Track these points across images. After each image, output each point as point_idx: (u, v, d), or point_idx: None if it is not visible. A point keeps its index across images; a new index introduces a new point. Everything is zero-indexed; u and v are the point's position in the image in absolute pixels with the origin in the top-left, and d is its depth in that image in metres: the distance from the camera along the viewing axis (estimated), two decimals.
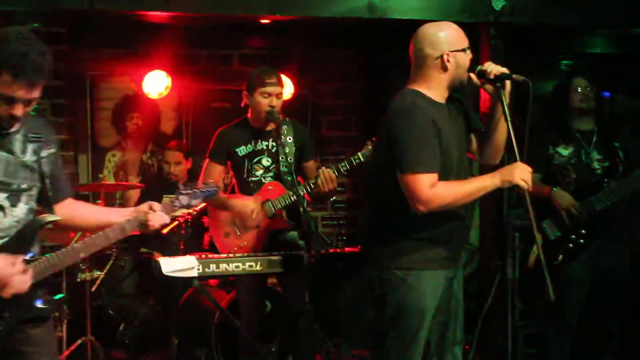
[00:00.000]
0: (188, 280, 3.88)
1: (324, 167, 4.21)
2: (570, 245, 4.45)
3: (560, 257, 4.43)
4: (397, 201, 3.17)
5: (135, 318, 5.62)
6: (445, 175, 3.17)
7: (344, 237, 6.51)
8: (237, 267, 3.93)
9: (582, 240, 4.44)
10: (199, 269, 3.82)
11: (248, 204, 4.26)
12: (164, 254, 4.63)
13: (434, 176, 3.13)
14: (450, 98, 3.33)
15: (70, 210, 3.00)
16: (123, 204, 6.43)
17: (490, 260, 5.10)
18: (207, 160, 4.38)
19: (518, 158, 3.11)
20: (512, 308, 3.07)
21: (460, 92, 3.37)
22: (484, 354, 4.93)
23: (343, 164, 4.20)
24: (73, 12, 5.31)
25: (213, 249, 4.63)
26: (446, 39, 3.24)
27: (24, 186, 2.81)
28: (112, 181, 6.48)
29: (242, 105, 4.37)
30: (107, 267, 5.51)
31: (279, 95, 4.27)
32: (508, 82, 3.21)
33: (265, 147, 4.35)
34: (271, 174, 4.35)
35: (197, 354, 5.02)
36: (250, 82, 4.29)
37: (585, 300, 4.49)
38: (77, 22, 6.06)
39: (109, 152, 6.65)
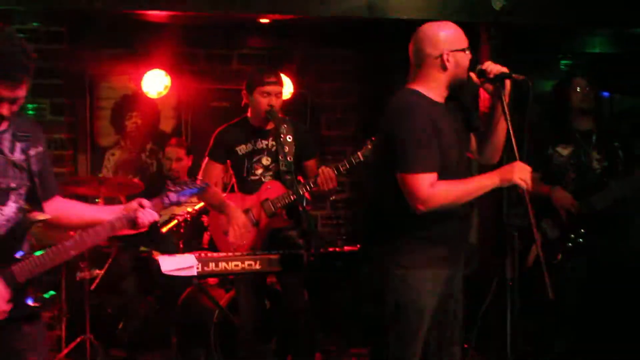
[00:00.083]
0: (187, 279, 3.88)
1: (323, 166, 4.21)
2: (570, 244, 4.46)
3: (560, 256, 4.44)
4: (396, 200, 3.17)
5: (134, 316, 5.63)
6: (445, 175, 3.16)
7: (344, 236, 6.51)
8: (236, 265, 3.95)
9: (581, 240, 4.45)
10: (198, 268, 3.83)
11: (239, 217, 4.19)
12: (163, 253, 4.62)
13: (433, 176, 3.12)
14: (450, 97, 3.33)
15: (59, 208, 2.98)
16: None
17: (490, 260, 5.11)
18: (207, 159, 4.37)
19: (517, 157, 3.11)
20: (511, 307, 3.08)
21: (459, 92, 3.37)
22: (483, 353, 4.93)
23: (343, 163, 4.19)
24: (73, 11, 5.33)
25: (212, 247, 4.63)
26: (446, 38, 3.24)
27: (13, 185, 2.80)
28: None
29: (242, 104, 4.37)
30: (107, 265, 5.51)
31: (278, 95, 4.26)
32: (508, 82, 3.20)
33: (265, 147, 4.34)
34: (271, 173, 4.35)
35: (196, 352, 5.03)
36: (250, 81, 4.29)
37: (585, 300, 4.50)
38: (77, 21, 6.06)
39: (108, 151, 6.66)
